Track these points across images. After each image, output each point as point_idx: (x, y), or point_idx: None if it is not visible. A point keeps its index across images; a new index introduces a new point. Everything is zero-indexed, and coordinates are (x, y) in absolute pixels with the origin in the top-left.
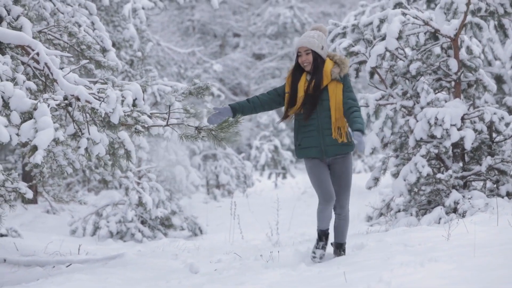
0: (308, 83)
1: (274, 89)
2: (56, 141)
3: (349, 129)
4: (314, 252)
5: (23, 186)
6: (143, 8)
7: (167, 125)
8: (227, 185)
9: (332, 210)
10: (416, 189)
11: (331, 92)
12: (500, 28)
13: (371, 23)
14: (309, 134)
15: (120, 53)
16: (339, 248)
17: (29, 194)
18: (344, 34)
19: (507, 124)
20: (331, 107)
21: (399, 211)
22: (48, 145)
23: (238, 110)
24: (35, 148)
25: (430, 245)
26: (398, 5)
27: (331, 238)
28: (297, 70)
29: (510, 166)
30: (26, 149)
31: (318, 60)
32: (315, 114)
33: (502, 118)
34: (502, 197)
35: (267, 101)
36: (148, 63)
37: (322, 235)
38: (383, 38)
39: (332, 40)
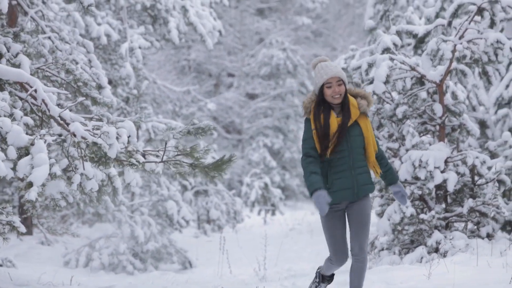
0: (342, 118)
1: (309, 155)
2: (52, 175)
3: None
4: None
5: (17, 220)
6: (139, 48)
7: (162, 161)
8: (217, 221)
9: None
10: (399, 229)
11: (363, 127)
12: (484, 75)
13: (359, 67)
14: (341, 175)
15: (117, 90)
16: None
17: (22, 228)
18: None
19: (489, 168)
20: (366, 144)
21: (382, 249)
22: (44, 181)
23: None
24: (30, 185)
25: (412, 284)
26: (386, 50)
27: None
28: (322, 104)
29: (490, 209)
30: (22, 184)
31: (347, 93)
32: (347, 151)
33: (484, 162)
34: (483, 238)
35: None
36: (144, 100)
37: (326, 279)
38: (371, 82)
39: None
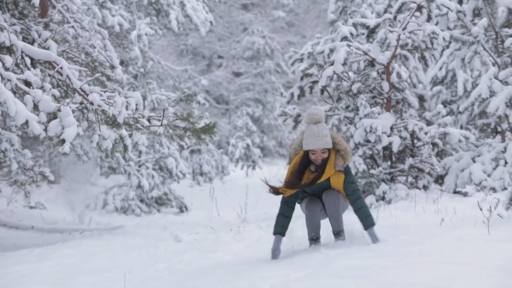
0: (314, 176)
1: (286, 201)
2: (76, 136)
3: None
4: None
5: (47, 171)
6: (146, 35)
7: (161, 125)
8: (208, 174)
9: (320, 219)
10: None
11: (333, 182)
12: (423, 59)
13: (323, 52)
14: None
15: (128, 69)
16: (339, 235)
17: (51, 177)
18: (301, 60)
19: (425, 133)
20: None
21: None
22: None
23: (286, 232)
24: (63, 141)
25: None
26: (344, 38)
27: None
28: (304, 160)
29: (426, 166)
30: (55, 141)
31: (328, 156)
32: (309, 194)
33: (422, 128)
34: (420, 189)
35: (292, 208)
36: (150, 77)
37: (314, 239)
38: (332, 64)
39: (292, 64)
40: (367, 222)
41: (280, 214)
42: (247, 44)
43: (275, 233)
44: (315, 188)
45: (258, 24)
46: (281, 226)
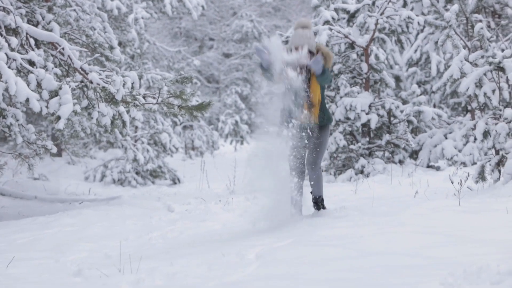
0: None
1: None
2: (75, 112)
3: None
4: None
5: (50, 144)
6: (142, 18)
7: (157, 103)
8: (199, 148)
9: (302, 184)
10: (335, 156)
11: (313, 81)
12: (399, 42)
13: None
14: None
15: (125, 50)
16: (319, 201)
17: (54, 150)
18: (286, 42)
19: (401, 111)
20: (311, 92)
21: (322, 171)
22: (69, 116)
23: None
24: (58, 118)
25: (342, 197)
26: (326, 22)
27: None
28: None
29: (402, 142)
30: (53, 117)
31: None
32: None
33: (398, 107)
34: (396, 164)
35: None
36: (146, 57)
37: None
38: None
39: None
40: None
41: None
42: (236, 27)
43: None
44: (296, 89)
45: (247, 9)
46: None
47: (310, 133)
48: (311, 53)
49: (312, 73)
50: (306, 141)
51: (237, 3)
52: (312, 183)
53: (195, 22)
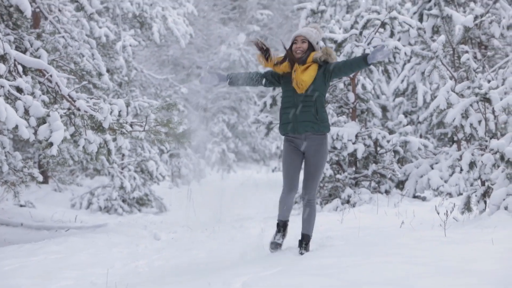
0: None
1: (257, 71)
2: (63, 140)
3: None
4: (272, 243)
5: (36, 172)
6: (130, 45)
7: (144, 130)
8: (186, 176)
9: (293, 200)
10: (321, 185)
11: (306, 73)
12: (386, 72)
13: None
14: (287, 111)
15: (113, 77)
16: (304, 241)
17: (40, 178)
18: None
19: (387, 141)
20: (304, 82)
21: None
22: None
23: (230, 78)
24: (50, 144)
25: (328, 226)
26: None
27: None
28: (287, 55)
29: (388, 172)
30: (43, 144)
31: (310, 51)
32: (291, 92)
33: (384, 137)
34: (382, 194)
35: (252, 77)
36: (133, 85)
37: (282, 226)
38: None
39: None
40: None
41: (245, 72)
42: (224, 56)
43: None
44: (292, 92)
45: (235, 37)
46: (233, 74)
47: (301, 142)
48: (310, 46)
49: (309, 63)
50: (294, 155)
51: (225, 32)
52: (304, 216)
53: (183, 50)
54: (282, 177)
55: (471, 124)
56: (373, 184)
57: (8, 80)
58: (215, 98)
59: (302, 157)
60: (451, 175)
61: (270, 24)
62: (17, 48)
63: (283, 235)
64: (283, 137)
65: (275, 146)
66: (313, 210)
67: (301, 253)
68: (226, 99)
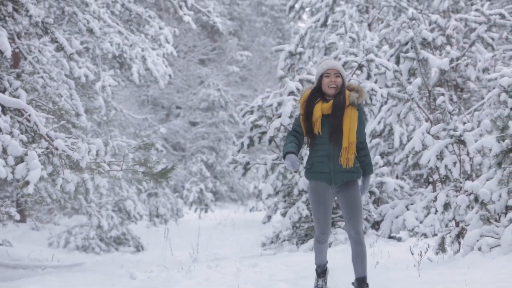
0: (333, 103)
1: (294, 130)
2: (41, 178)
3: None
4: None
5: (13, 210)
6: (109, 85)
7: (121, 170)
8: (164, 215)
9: (327, 243)
10: (297, 225)
11: (345, 116)
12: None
13: (271, 105)
14: (320, 159)
15: (92, 117)
16: (365, 284)
17: (17, 217)
18: (252, 112)
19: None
20: (343, 131)
21: (284, 240)
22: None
23: (295, 154)
24: (27, 183)
25: (304, 266)
26: (291, 93)
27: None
28: (316, 94)
29: (364, 212)
30: (20, 183)
31: (343, 86)
32: (326, 139)
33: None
34: None
35: (301, 142)
36: (113, 124)
37: (321, 272)
38: (280, 116)
39: (243, 116)
40: (369, 168)
41: (288, 141)
42: (203, 96)
43: (286, 152)
44: (336, 125)
45: (214, 78)
46: (292, 146)
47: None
48: (343, 80)
49: (347, 105)
50: (327, 196)
51: (205, 72)
52: (356, 257)
53: (162, 90)
54: (313, 221)
55: (446, 166)
56: None
57: None
58: (194, 138)
59: (333, 197)
60: (426, 216)
61: (249, 65)
62: None
63: (324, 281)
64: (266, 178)
65: (253, 186)
66: (364, 248)
67: None
68: (205, 139)
